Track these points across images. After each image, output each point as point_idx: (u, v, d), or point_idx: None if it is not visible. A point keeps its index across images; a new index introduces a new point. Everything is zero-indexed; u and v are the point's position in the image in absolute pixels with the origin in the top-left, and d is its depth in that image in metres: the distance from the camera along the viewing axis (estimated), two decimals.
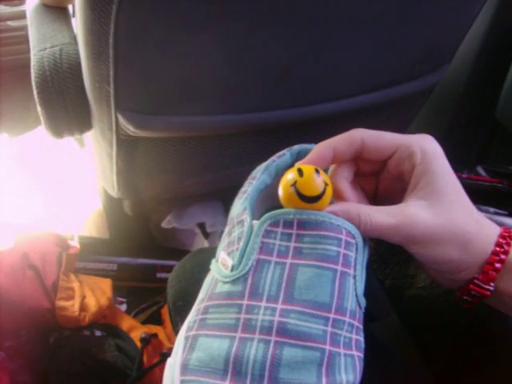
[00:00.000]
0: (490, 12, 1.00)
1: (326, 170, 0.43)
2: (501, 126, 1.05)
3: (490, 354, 0.44)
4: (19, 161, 1.17)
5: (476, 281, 0.35)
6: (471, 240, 0.35)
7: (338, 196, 0.38)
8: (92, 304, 0.92)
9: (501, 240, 0.35)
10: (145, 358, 0.93)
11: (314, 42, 0.64)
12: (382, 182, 0.40)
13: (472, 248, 0.35)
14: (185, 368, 0.32)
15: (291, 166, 0.42)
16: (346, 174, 0.39)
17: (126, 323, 1.01)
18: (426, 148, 0.36)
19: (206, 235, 1.20)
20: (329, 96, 0.76)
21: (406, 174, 0.37)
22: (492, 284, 0.35)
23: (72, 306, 0.87)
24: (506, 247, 0.35)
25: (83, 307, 0.90)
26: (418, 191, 0.36)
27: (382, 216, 0.35)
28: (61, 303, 0.86)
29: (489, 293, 0.35)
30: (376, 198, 0.41)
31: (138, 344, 0.95)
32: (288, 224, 0.33)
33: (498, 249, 0.35)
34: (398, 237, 0.35)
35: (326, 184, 0.34)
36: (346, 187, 0.38)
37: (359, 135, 0.37)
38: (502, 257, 0.34)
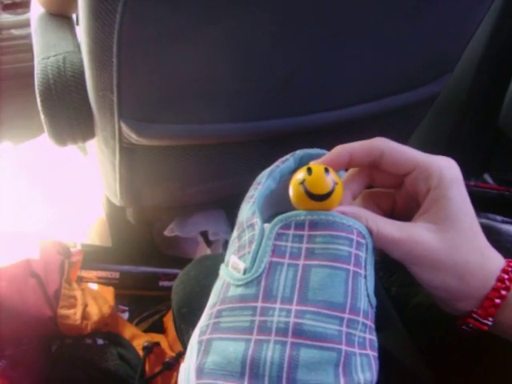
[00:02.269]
0: (491, 20, 1.00)
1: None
2: (504, 134, 1.05)
3: (498, 363, 0.44)
4: (22, 169, 1.17)
5: (474, 315, 0.35)
6: (472, 272, 0.34)
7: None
8: (94, 312, 0.92)
9: (503, 275, 0.34)
10: (147, 367, 0.92)
11: (316, 51, 0.64)
12: (400, 199, 0.40)
13: (471, 280, 0.34)
14: (201, 372, 0.31)
15: (295, 170, 0.42)
16: (354, 187, 0.39)
17: (128, 332, 1.01)
18: (445, 173, 0.35)
19: (209, 243, 1.19)
20: (331, 105, 0.76)
21: (420, 195, 0.36)
22: (490, 319, 0.35)
23: (74, 315, 0.87)
24: (507, 283, 0.34)
25: (85, 315, 0.90)
26: (429, 215, 0.35)
27: (388, 227, 0.34)
28: (63, 311, 0.86)
29: (487, 328, 0.35)
30: (393, 216, 0.41)
31: (140, 352, 0.95)
32: (299, 225, 0.34)
33: (499, 284, 0.34)
34: (399, 252, 0.35)
35: (336, 183, 0.33)
36: (347, 200, 0.38)
37: (380, 146, 0.36)
38: (503, 293, 0.34)
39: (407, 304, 0.50)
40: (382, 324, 0.37)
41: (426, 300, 0.47)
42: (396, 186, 0.39)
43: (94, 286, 1.07)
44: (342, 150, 0.37)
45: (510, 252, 0.37)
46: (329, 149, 0.38)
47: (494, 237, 0.44)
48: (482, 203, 0.51)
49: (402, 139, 0.98)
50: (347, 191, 0.38)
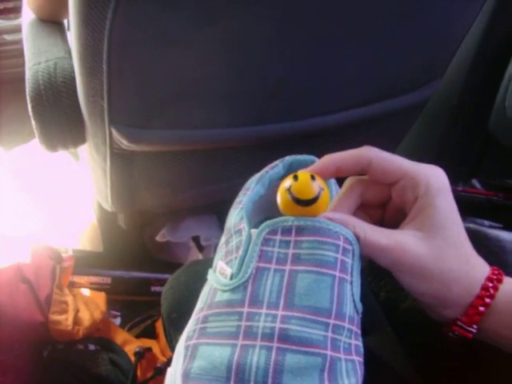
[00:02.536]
0: (482, 25, 1.01)
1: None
2: (494, 139, 1.06)
3: (487, 365, 0.44)
4: (14, 174, 1.16)
5: (459, 322, 0.35)
6: (457, 280, 0.35)
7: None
8: (86, 318, 0.92)
9: (488, 283, 0.35)
10: (139, 372, 0.92)
11: (309, 55, 0.64)
12: (388, 212, 0.40)
13: (457, 288, 0.35)
14: (186, 377, 0.31)
15: (284, 176, 0.42)
16: (349, 205, 0.39)
17: (120, 337, 1.01)
18: (432, 182, 0.35)
19: (201, 248, 1.19)
20: (323, 110, 0.76)
21: (407, 204, 0.37)
22: (475, 326, 0.35)
23: (65, 320, 0.87)
24: (491, 291, 0.34)
25: (77, 321, 0.90)
26: (416, 222, 0.35)
27: (376, 235, 0.35)
28: (54, 317, 0.85)
29: (471, 335, 0.35)
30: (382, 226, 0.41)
31: (132, 358, 0.94)
32: (286, 231, 0.34)
33: (483, 292, 0.34)
34: (386, 260, 0.35)
35: (322, 189, 0.34)
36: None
37: (368, 155, 0.37)
38: (487, 300, 0.34)
39: (397, 308, 0.50)
40: (371, 328, 0.37)
41: (416, 304, 0.47)
42: (382, 204, 0.40)
43: (86, 292, 1.07)
44: (329, 159, 0.37)
45: (498, 256, 0.38)
46: (321, 154, 0.39)
47: (482, 241, 0.44)
48: (470, 208, 0.51)
49: (393, 144, 0.98)
50: (345, 207, 0.38)
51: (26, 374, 0.84)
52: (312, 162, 0.39)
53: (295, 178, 0.34)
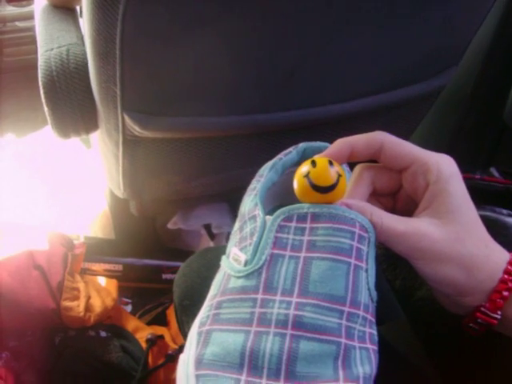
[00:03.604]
0: (498, 14, 1.00)
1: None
2: (509, 128, 1.05)
3: (502, 356, 0.44)
4: (26, 161, 1.17)
5: (483, 309, 0.35)
6: (478, 265, 0.34)
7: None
8: (97, 304, 0.92)
9: (510, 267, 0.34)
10: (150, 359, 0.93)
11: (319, 43, 0.64)
12: (398, 201, 0.40)
13: (478, 273, 0.34)
14: (199, 363, 0.31)
15: (298, 163, 0.42)
16: (363, 192, 0.38)
17: (131, 324, 1.01)
18: (443, 168, 0.35)
19: (212, 236, 1.19)
20: (335, 97, 0.76)
21: (419, 190, 0.37)
22: (499, 312, 0.35)
23: (77, 307, 0.87)
24: None
25: (88, 308, 0.90)
26: (431, 210, 0.35)
27: (393, 221, 0.34)
28: (66, 303, 0.86)
29: (496, 322, 0.35)
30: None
31: (143, 345, 0.95)
32: (302, 218, 0.33)
33: (506, 276, 0.34)
34: (403, 246, 0.34)
35: (340, 175, 0.33)
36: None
37: (380, 139, 0.37)
38: (510, 285, 0.34)
39: (411, 297, 0.50)
40: (385, 317, 0.37)
41: (431, 293, 0.47)
42: (393, 193, 0.40)
43: (98, 279, 1.07)
44: (343, 143, 0.37)
45: None
46: (333, 142, 0.38)
47: (500, 230, 0.43)
48: (488, 196, 0.51)
49: (407, 132, 0.97)
50: (359, 195, 0.38)
51: (39, 360, 0.84)
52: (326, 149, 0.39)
53: (313, 163, 0.33)
